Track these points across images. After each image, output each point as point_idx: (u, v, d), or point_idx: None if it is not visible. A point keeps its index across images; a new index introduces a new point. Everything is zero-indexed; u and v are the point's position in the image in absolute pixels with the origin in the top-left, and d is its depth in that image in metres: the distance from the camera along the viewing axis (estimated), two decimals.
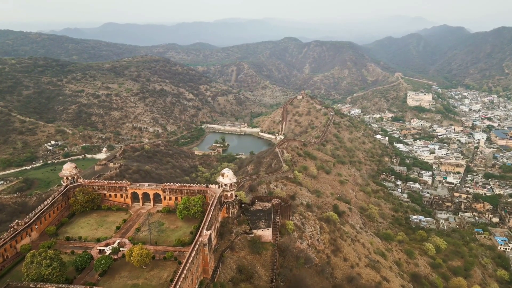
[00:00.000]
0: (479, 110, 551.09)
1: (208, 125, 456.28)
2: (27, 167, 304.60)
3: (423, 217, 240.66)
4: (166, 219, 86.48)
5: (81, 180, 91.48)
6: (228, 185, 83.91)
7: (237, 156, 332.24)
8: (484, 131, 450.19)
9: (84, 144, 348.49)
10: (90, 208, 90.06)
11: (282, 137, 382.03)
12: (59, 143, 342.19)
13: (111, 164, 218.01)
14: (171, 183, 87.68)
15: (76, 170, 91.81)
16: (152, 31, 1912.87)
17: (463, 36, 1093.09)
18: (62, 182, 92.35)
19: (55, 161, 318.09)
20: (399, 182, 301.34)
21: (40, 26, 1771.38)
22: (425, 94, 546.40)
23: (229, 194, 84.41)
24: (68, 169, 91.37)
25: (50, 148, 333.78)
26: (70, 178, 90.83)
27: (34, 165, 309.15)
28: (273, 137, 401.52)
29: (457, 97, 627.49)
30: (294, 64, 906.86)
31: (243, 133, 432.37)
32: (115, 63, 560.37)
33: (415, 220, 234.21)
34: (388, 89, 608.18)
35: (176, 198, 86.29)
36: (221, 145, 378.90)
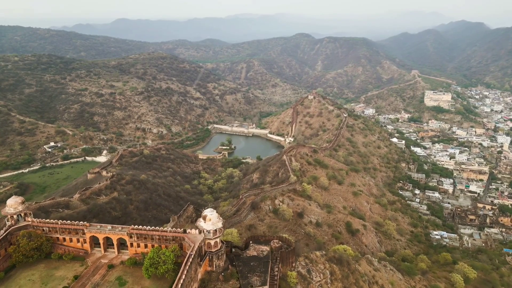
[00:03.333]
0: (501, 111, 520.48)
1: (215, 125, 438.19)
2: (24, 171, 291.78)
3: (445, 232, 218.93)
4: (130, 275, 66.29)
5: (29, 219, 72.84)
6: (212, 231, 64.97)
7: (244, 160, 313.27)
8: (507, 134, 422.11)
9: (84, 146, 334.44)
10: (36, 258, 69.85)
11: (292, 139, 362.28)
12: (59, 145, 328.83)
13: (104, 173, 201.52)
14: (140, 227, 68.26)
15: (23, 205, 73.33)
16: (164, 27, 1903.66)
17: (483, 32, 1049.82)
18: (6, 221, 73.91)
19: (54, 164, 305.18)
20: (417, 191, 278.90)
21: (52, 22, 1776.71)
22: (444, 94, 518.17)
23: (212, 242, 65.26)
24: (12, 205, 72.08)
25: (49, 150, 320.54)
26: (15, 216, 72.61)
27: (32, 168, 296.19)
28: (282, 139, 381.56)
29: (477, 97, 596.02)
30: (306, 61, 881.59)
31: (251, 135, 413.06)
32: (121, 60, 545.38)
33: (437, 237, 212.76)
34: (404, 88, 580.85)
35: (145, 246, 67.69)
36: (227, 147, 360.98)
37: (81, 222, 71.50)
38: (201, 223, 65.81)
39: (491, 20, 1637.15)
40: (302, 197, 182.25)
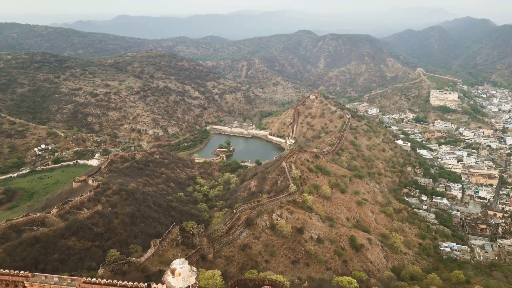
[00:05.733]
0: (509, 111, 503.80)
1: (214, 126, 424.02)
2: (12, 175, 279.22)
3: (455, 244, 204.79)
4: None
5: None
6: None
7: (242, 164, 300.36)
8: None
9: (76, 149, 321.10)
10: None
11: (293, 141, 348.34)
12: (50, 147, 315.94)
13: (90, 181, 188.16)
14: (94, 280, 54.95)
15: None
16: (165, 23, 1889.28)
17: (489, 29, 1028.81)
18: None
19: (44, 167, 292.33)
20: (424, 197, 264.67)
21: (52, 18, 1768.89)
22: (450, 93, 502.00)
23: None
24: None
25: (40, 153, 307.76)
26: None
27: (21, 172, 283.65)
28: (282, 141, 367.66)
29: (484, 96, 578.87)
30: (308, 58, 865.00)
31: (250, 136, 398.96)
32: (117, 58, 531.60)
33: (446, 249, 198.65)
34: (409, 87, 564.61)
35: None
36: (226, 149, 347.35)
37: (21, 272, 58.26)
38: (169, 278, 52.26)
39: (497, 17, 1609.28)
40: (303, 209, 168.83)
